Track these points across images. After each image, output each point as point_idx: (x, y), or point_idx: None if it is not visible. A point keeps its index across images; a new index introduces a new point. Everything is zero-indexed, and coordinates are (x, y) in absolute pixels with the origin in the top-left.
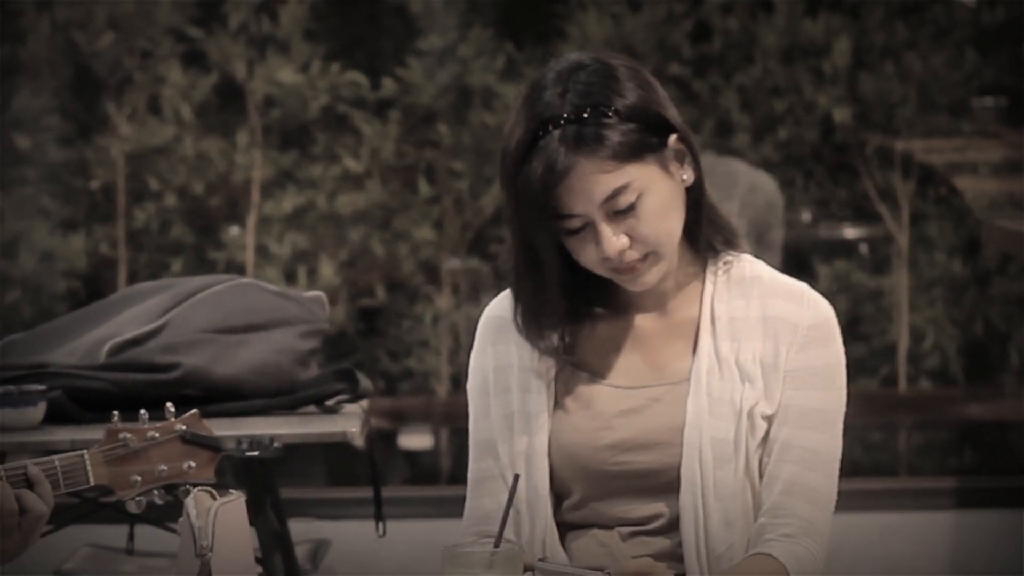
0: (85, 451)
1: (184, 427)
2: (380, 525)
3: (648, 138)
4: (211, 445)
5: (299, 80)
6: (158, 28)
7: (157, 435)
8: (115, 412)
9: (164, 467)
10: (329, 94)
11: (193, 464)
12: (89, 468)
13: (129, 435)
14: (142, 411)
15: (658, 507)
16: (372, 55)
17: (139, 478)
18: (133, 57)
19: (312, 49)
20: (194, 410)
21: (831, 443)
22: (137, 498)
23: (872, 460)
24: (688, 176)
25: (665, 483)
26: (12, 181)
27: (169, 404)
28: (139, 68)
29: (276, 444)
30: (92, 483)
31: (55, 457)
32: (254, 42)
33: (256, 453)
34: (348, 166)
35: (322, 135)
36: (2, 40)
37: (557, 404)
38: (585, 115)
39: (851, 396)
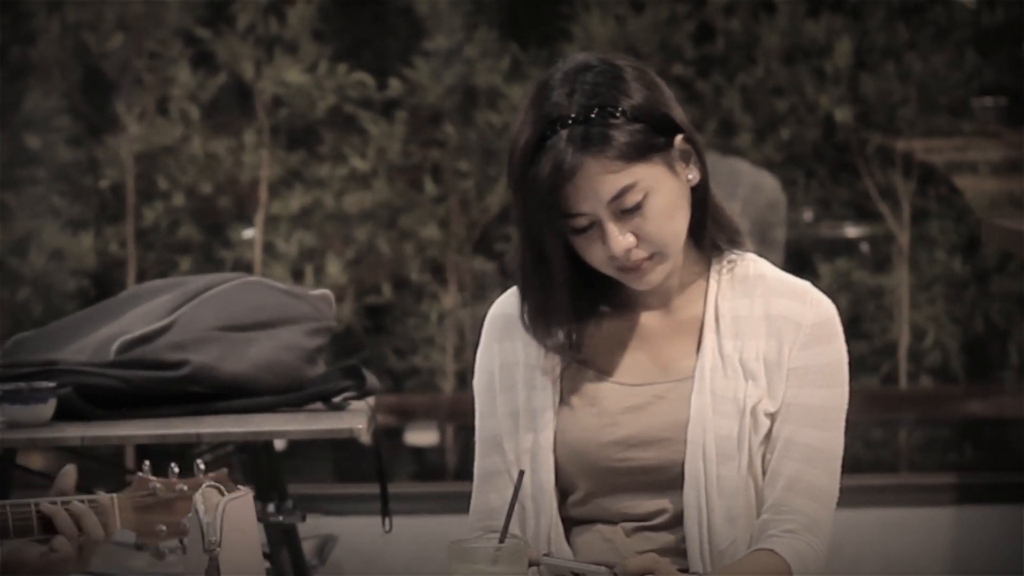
0: (115, 495)
1: (212, 483)
2: (386, 521)
3: (654, 138)
4: None
5: (306, 80)
6: (167, 29)
7: (185, 488)
8: (147, 462)
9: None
10: (336, 94)
11: None
12: (117, 512)
13: (158, 485)
14: (172, 464)
15: (662, 503)
16: (379, 56)
17: (164, 528)
18: (142, 58)
19: (319, 50)
20: (223, 469)
21: (833, 440)
22: (161, 547)
23: (873, 456)
24: (693, 176)
25: (669, 479)
26: (22, 180)
27: (199, 460)
28: (148, 69)
29: (300, 512)
30: (119, 527)
31: (85, 496)
32: (262, 43)
33: (280, 518)
34: (355, 165)
35: (329, 135)
36: (13, 41)
37: (563, 401)
38: (592, 115)
39: (853, 393)
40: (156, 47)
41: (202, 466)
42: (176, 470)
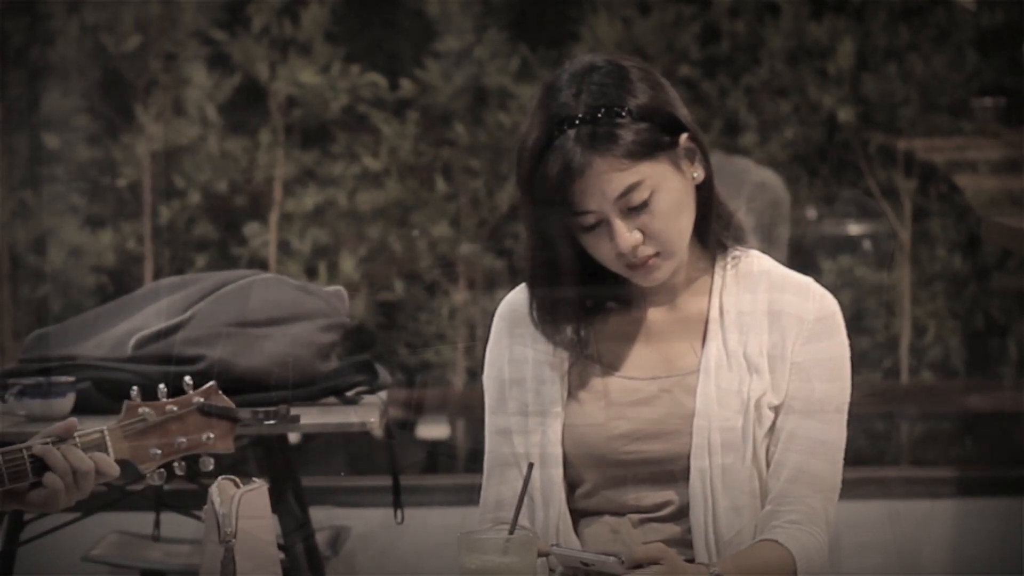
0: (105, 427)
1: (202, 399)
2: (398, 512)
3: (660, 137)
4: (228, 415)
5: (320, 81)
6: (183, 31)
7: (175, 408)
8: (134, 388)
9: (183, 439)
10: (349, 95)
11: (212, 435)
12: (109, 443)
13: (148, 410)
14: (161, 385)
15: (668, 495)
16: (391, 57)
17: (159, 451)
18: (159, 59)
19: (333, 51)
20: (211, 383)
21: (836, 433)
22: (159, 470)
23: (876, 449)
24: (698, 174)
25: (675, 471)
26: (42, 179)
27: (187, 378)
28: (165, 70)
29: (293, 413)
30: (112, 458)
31: (76, 433)
32: (276, 44)
33: (273, 422)
34: (367, 164)
35: (342, 134)
36: (32, 42)
37: (571, 395)
38: (599, 115)
39: (855, 387)
40: (173, 48)
41: (190, 381)
42: (164, 390)
